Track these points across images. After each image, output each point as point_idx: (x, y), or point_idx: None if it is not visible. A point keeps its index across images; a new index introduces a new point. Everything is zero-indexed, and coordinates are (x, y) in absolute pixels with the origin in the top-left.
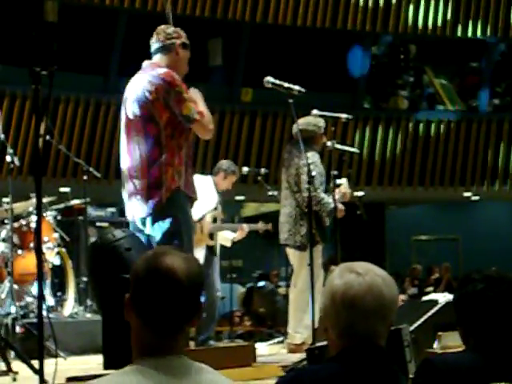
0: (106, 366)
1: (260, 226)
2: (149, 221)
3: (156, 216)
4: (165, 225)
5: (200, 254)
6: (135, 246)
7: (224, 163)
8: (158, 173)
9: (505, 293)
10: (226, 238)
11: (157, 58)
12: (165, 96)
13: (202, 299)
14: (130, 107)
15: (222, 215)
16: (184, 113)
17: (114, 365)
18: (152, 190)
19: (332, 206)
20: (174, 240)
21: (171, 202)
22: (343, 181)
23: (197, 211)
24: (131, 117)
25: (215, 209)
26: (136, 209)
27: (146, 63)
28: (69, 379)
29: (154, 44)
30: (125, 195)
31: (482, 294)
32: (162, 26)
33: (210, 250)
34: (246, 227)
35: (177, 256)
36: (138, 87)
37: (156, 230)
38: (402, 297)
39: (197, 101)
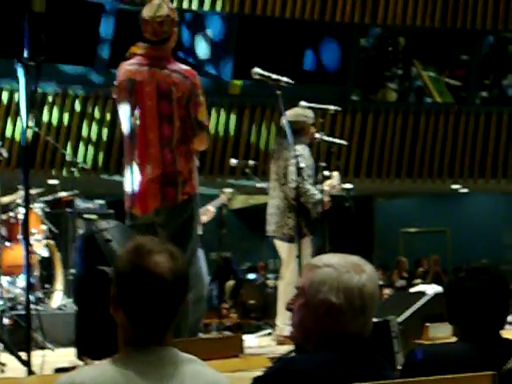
0: (79, 356)
1: (223, 197)
2: (163, 213)
3: (170, 212)
4: (178, 222)
5: None
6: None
7: None
8: (172, 174)
9: (488, 283)
10: None
11: (163, 48)
12: (189, 96)
13: (188, 294)
14: (152, 100)
15: None
16: (199, 118)
17: (87, 356)
18: (167, 186)
19: (318, 197)
20: (184, 236)
21: (187, 203)
22: (335, 174)
23: None
24: (151, 112)
25: None
26: (151, 198)
27: (156, 54)
28: (57, 370)
29: (158, 37)
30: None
31: (467, 285)
32: (158, 14)
33: None
34: (211, 208)
35: (162, 253)
36: (162, 83)
37: (168, 224)
38: (387, 291)
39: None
